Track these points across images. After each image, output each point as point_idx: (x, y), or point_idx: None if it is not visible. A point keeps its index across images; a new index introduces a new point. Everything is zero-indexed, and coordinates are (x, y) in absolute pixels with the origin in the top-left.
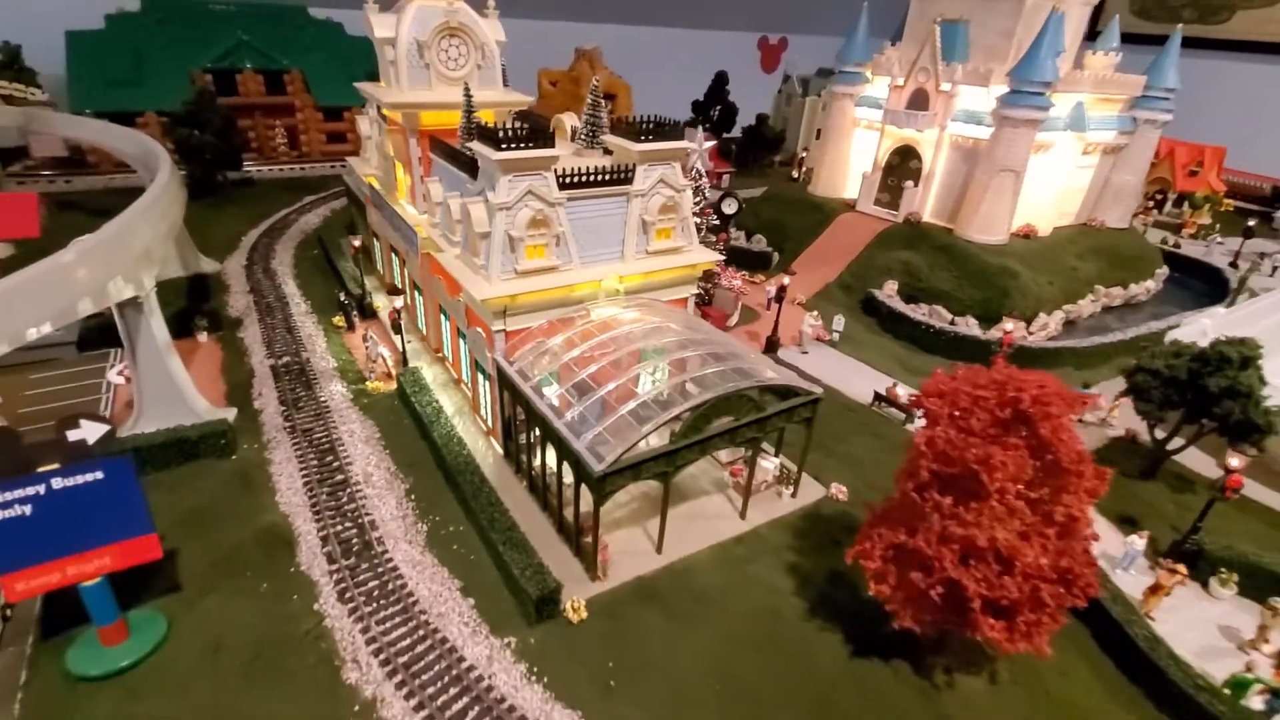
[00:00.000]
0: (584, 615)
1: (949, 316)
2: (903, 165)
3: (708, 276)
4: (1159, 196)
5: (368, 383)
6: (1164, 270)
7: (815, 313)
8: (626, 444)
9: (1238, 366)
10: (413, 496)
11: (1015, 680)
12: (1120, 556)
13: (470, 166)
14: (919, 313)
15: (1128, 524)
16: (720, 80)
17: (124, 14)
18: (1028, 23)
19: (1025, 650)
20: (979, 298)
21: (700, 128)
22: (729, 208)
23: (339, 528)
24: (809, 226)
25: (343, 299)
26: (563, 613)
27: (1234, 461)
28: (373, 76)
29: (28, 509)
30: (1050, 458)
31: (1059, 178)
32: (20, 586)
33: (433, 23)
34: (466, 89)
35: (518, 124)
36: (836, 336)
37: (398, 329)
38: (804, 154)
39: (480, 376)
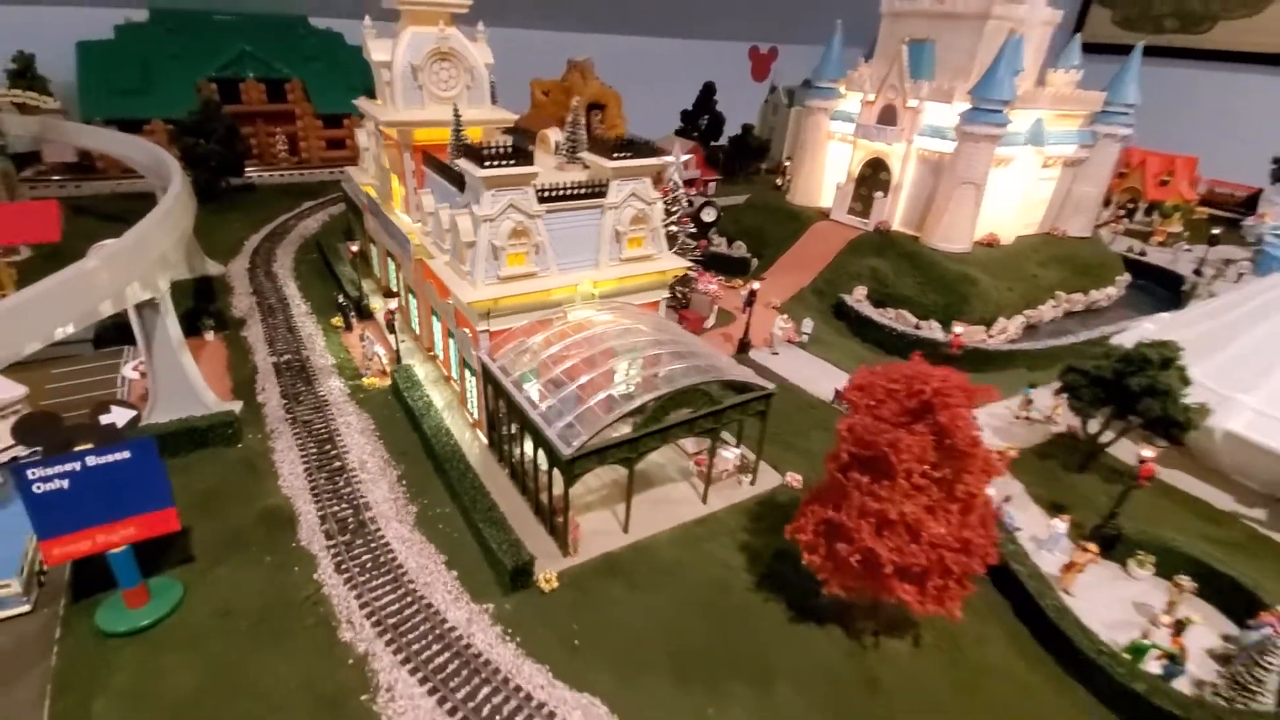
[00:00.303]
0: (555, 585)
1: (914, 320)
2: (874, 177)
3: (685, 281)
4: (1130, 206)
5: (364, 379)
6: (1125, 277)
7: (786, 315)
8: (593, 431)
9: (1158, 367)
10: (404, 482)
11: (937, 644)
12: (1046, 539)
13: (458, 181)
14: (885, 317)
15: (1059, 510)
16: (708, 90)
17: (132, 25)
18: (988, 44)
19: (936, 612)
20: (941, 303)
21: (680, 138)
22: (708, 216)
23: (336, 509)
24: (786, 234)
25: (341, 301)
26: (536, 583)
27: (1146, 452)
28: (371, 89)
29: (66, 483)
30: (949, 442)
31: (1020, 189)
32: (57, 551)
33: (426, 47)
34: (456, 109)
35: (500, 144)
36: (806, 338)
37: (392, 329)
38: (788, 162)
39: (467, 373)
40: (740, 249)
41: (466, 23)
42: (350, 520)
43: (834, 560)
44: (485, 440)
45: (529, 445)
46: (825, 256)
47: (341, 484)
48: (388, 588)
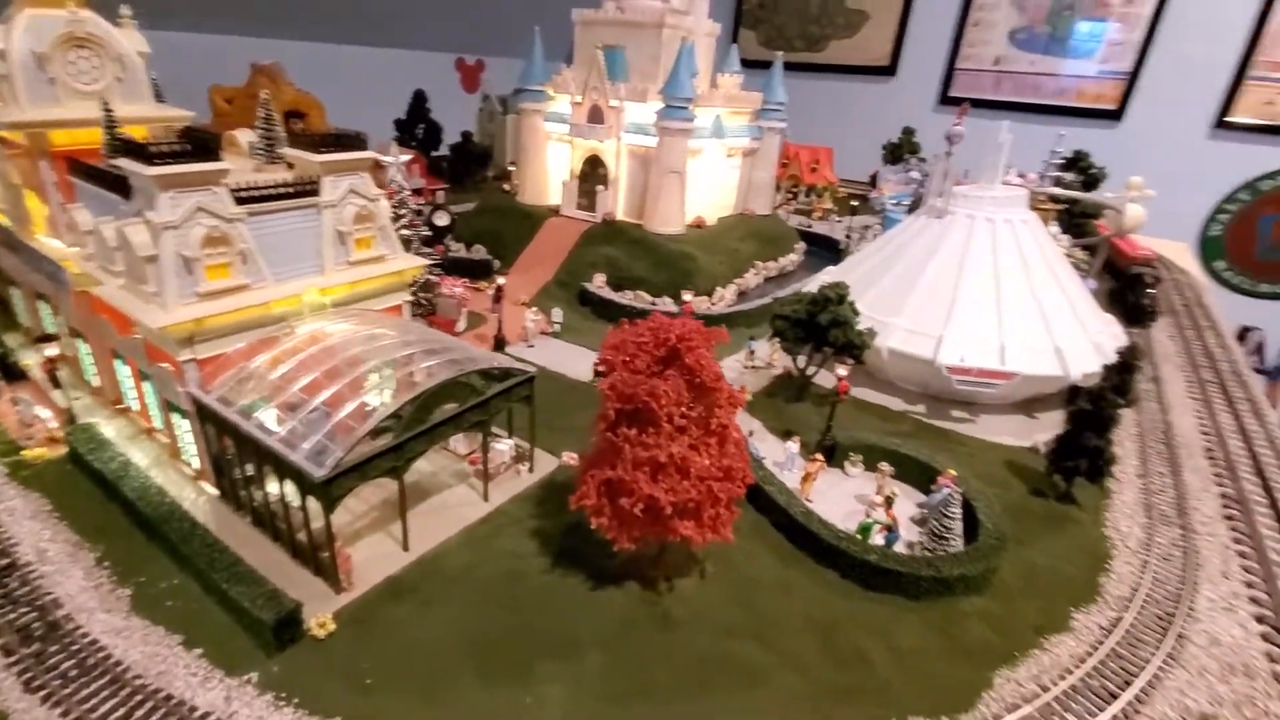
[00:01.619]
0: (331, 628)
1: (649, 298)
2: (594, 173)
3: (428, 287)
4: (794, 189)
5: (25, 452)
6: (802, 245)
7: (536, 309)
8: (348, 445)
9: (837, 303)
10: (106, 564)
11: (717, 571)
12: (784, 460)
13: (121, 187)
14: (625, 298)
15: (790, 435)
16: (420, 99)
17: None
18: (668, 50)
19: (715, 540)
20: (669, 280)
21: (396, 143)
22: (441, 220)
23: (13, 615)
24: (523, 233)
25: None
26: (308, 632)
27: (841, 371)
28: None
29: None
30: (698, 381)
31: (713, 177)
32: None
33: (52, 33)
34: (105, 103)
35: (172, 138)
36: (558, 328)
37: (57, 382)
38: (512, 167)
39: (176, 417)
40: (480, 251)
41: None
42: (36, 625)
43: (619, 517)
44: (214, 490)
45: (273, 482)
46: (562, 250)
47: (15, 584)
48: (105, 694)
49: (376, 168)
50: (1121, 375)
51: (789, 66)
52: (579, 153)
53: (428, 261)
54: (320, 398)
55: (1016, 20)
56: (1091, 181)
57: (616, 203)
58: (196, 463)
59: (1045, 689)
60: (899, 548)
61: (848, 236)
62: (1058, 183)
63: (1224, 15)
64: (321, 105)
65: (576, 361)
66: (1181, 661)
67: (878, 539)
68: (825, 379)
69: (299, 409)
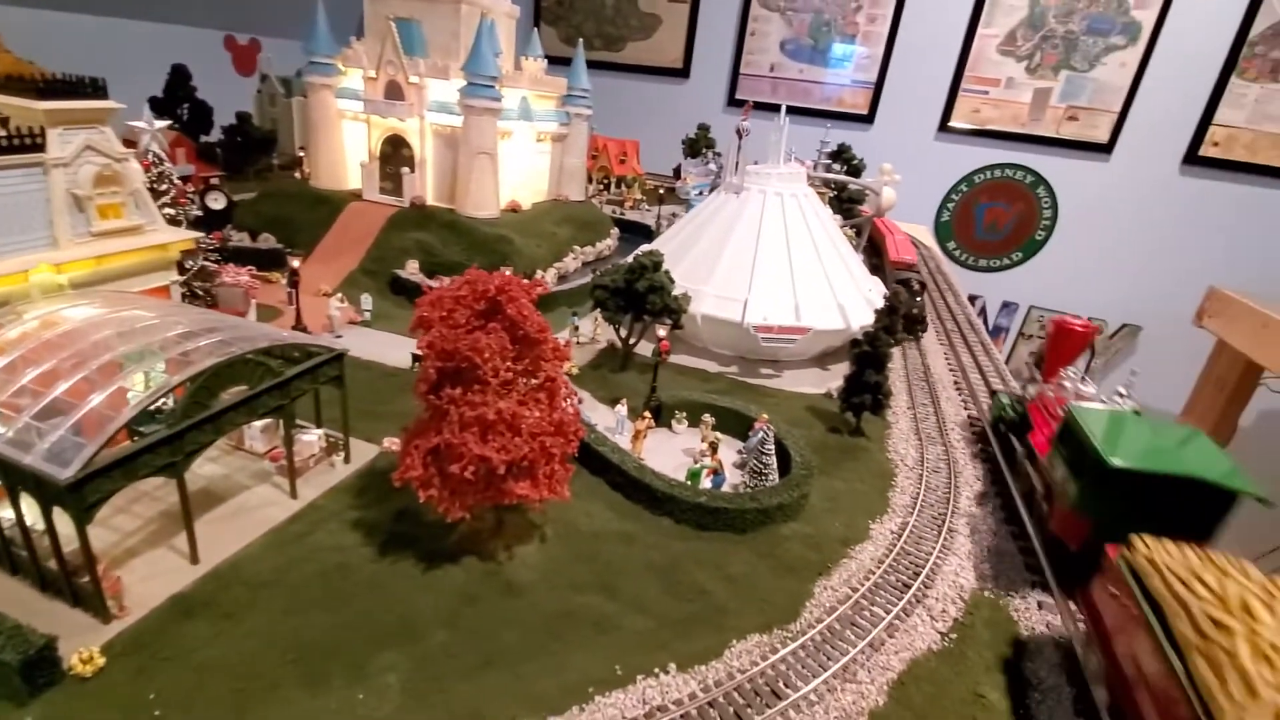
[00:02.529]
0: (100, 663)
1: None
2: (396, 154)
3: (206, 275)
4: (605, 180)
5: None
6: (617, 231)
7: (340, 295)
8: (104, 437)
9: (653, 270)
10: None
11: (557, 534)
12: (615, 424)
13: None
14: (441, 283)
15: (617, 401)
16: (180, 74)
17: None
18: (468, 26)
19: (551, 497)
20: (487, 264)
21: (151, 109)
22: (215, 202)
23: None
24: (319, 219)
25: None
26: (69, 671)
27: (661, 331)
28: None
29: None
30: (522, 333)
31: (526, 162)
32: None
33: None
34: None
35: None
36: (368, 315)
37: None
38: (302, 152)
39: None
40: (270, 241)
41: None
42: None
43: (450, 485)
44: None
45: (4, 506)
46: (368, 236)
47: None
48: None
49: (127, 145)
50: (889, 318)
51: (594, 65)
52: (378, 132)
53: (199, 235)
54: (60, 388)
55: (786, 32)
56: (854, 171)
57: (425, 186)
58: None
59: (855, 589)
60: (726, 489)
61: (658, 221)
62: (828, 169)
63: (941, 40)
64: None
65: (392, 349)
66: (953, 550)
67: (706, 483)
68: (647, 350)
69: (33, 402)
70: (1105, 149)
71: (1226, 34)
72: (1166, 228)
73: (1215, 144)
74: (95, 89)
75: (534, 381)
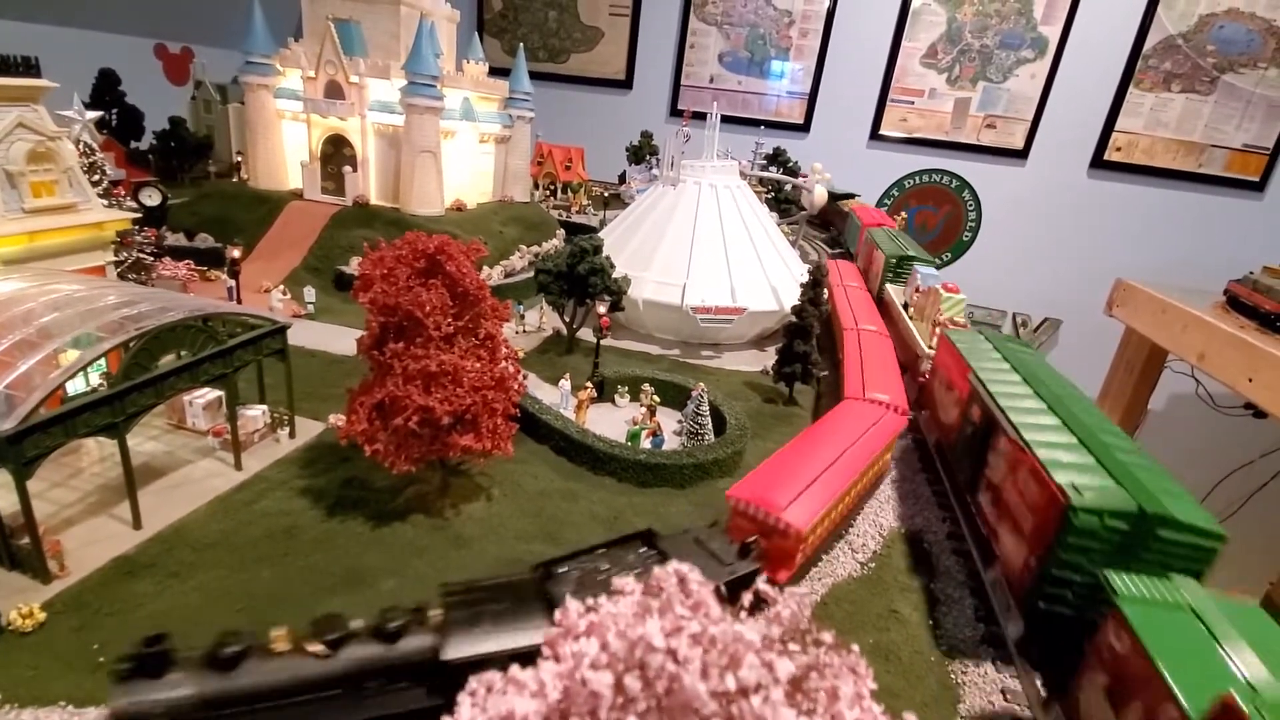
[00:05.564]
0: (40, 618)
1: None
2: (338, 153)
3: (140, 267)
4: (552, 186)
5: None
6: (562, 231)
7: (282, 287)
8: (43, 392)
9: (593, 254)
10: None
11: (504, 494)
12: (559, 399)
13: None
14: None
15: (561, 379)
16: (108, 78)
17: None
18: (407, 27)
19: (495, 451)
20: None
21: (82, 108)
22: (150, 199)
23: None
24: (259, 218)
25: None
26: (7, 627)
27: (601, 308)
28: None
29: None
30: (461, 290)
31: (470, 162)
32: None
33: None
34: None
35: None
36: (311, 309)
37: None
38: (239, 158)
39: None
40: (208, 240)
41: None
42: None
43: (395, 438)
44: None
45: None
46: (310, 234)
47: None
48: None
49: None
50: (814, 290)
51: (539, 75)
52: (318, 131)
53: (135, 214)
54: None
55: (724, 45)
56: (790, 172)
57: (369, 185)
58: None
59: None
60: (665, 449)
61: (602, 223)
62: (764, 169)
63: (869, 53)
64: None
65: (336, 339)
66: (876, 494)
67: (646, 443)
68: (588, 335)
69: None
70: (1021, 154)
71: (1123, 48)
72: (1079, 227)
73: (1118, 149)
74: (27, 67)
75: (474, 341)
